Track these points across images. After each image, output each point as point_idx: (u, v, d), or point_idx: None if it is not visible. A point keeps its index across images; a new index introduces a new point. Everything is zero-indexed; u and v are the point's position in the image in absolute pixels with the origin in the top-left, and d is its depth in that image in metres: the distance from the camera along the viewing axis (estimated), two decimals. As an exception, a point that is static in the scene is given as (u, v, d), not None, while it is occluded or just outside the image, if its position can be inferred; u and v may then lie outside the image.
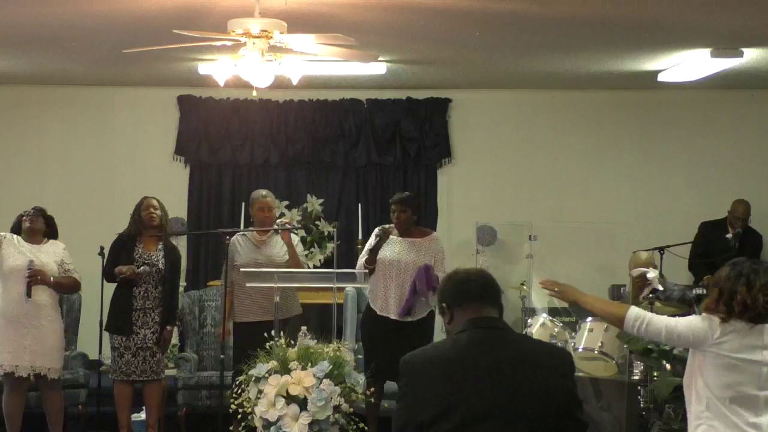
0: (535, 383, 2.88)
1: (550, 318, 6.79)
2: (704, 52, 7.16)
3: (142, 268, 6.53)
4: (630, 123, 9.18)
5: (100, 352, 7.20)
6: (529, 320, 6.95)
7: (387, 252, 6.48)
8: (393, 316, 6.45)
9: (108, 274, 6.66)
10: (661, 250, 7.26)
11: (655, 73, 7.98)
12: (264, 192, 6.86)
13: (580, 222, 8.85)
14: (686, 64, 7.58)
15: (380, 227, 6.62)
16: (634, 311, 4.03)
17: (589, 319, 6.54)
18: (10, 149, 8.96)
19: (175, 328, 7.26)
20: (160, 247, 6.69)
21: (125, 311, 6.58)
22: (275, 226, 6.74)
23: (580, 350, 6.33)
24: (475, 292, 3.00)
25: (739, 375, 3.83)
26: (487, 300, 3.01)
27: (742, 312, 3.80)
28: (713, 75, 7.82)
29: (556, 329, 6.63)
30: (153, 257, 6.63)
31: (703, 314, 3.93)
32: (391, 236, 6.51)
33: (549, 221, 8.68)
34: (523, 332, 6.56)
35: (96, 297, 7.00)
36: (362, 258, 6.57)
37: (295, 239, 6.82)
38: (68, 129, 9.03)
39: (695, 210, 8.71)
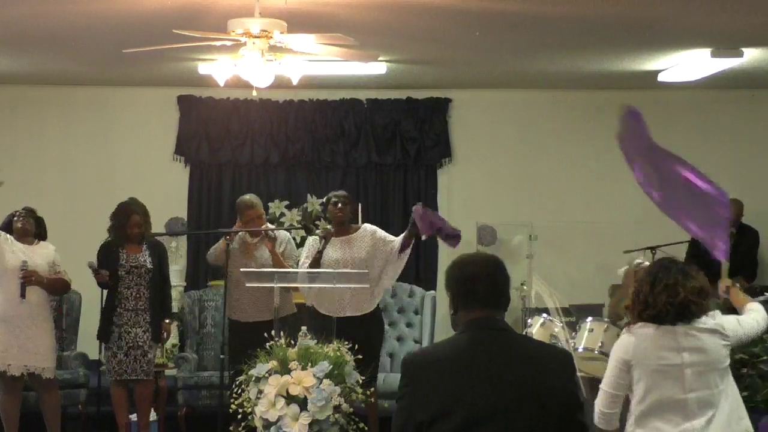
0: (536, 385, 2.88)
1: (550, 318, 6.79)
2: (704, 52, 7.16)
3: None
4: (630, 123, 9.17)
5: (100, 352, 7.20)
6: (529, 320, 6.95)
7: (329, 252, 6.49)
8: (340, 315, 6.44)
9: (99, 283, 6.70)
10: (652, 250, 7.26)
11: (655, 73, 7.98)
12: (247, 200, 6.84)
13: (580, 222, 8.85)
14: (686, 64, 7.58)
15: (320, 230, 6.67)
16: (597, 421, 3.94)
17: (589, 319, 6.55)
18: (10, 149, 8.95)
19: (176, 328, 7.28)
20: (144, 247, 6.70)
21: (106, 319, 6.65)
22: (267, 226, 6.77)
23: (580, 350, 6.33)
24: (481, 294, 2.97)
25: (663, 382, 3.79)
26: (493, 302, 2.99)
27: (642, 310, 3.80)
28: (713, 75, 7.82)
29: (556, 329, 6.62)
30: (140, 259, 6.64)
31: (617, 342, 3.92)
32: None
33: (549, 221, 8.68)
34: (523, 332, 6.56)
35: (96, 297, 7.00)
36: (304, 264, 6.54)
37: (285, 239, 6.82)
38: (68, 129, 9.02)
39: (695, 210, 8.70)
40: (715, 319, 3.89)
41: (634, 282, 3.96)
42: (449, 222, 6.37)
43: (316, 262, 6.47)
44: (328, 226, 6.64)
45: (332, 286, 6.30)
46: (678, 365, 3.78)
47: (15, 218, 6.64)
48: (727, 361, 3.90)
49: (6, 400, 6.55)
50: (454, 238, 6.27)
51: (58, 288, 6.74)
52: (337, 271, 6.34)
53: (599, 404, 3.91)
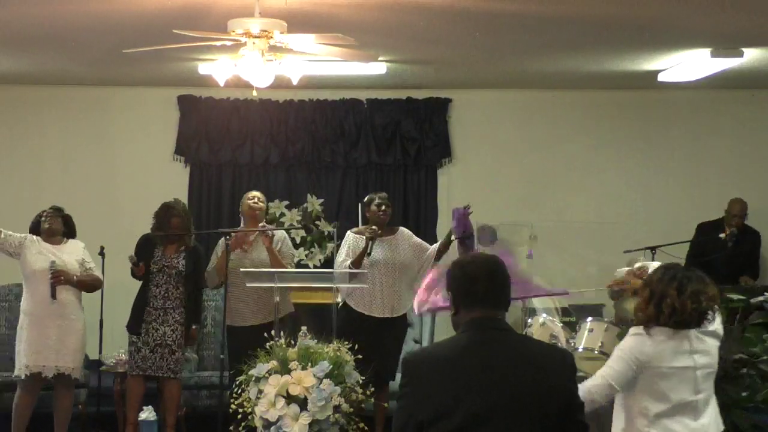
0: (536, 385, 2.88)
1: (550, 318, 6.78)
2: (704, 52, 7.16)
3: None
4: (630, 123, 9.18)
5: (100, 352, 7.21)
6: (529, 320, 6.94)
7: (372, 253, 6.63)
8: (377, 315, 6.63)
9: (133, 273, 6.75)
10: (652, 250, 7.27)
11: (655, 73, 7.98)
12: (255, 192, 7.04)
13: (580, 222, 8.85)
14: (686, 64, 7.58)
15: (366, 229, 6.72)
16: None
17: (589, 319, 6.54)
18: (10, 149, 8.95)
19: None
20: (182, 249, 6.73)
21: (138, 311, 6.69)
22: (263, 225, 6.82)
23: (580, 350, 6.31)
24: (481, 294, 2.99)
25: (675, 383, 3.88)
26: (493, 302, 3.00)
27: (669, 315, 3.85)
28: (713, 75, 7.81)
29: (556, 329, 6.62)
30: (173, 260, 6.67)
31: (632, 335, 3.93)
32: (365, 236, 6.67)
33: (549, 221, 8.67)
34: (523, 332, 6.57)
35: (96, 297, 7.01)
36: (346, 261, 6.64)
37: (280, 237, 6.86)
38: (68, 129, 9.01)
39: (695, 210, 8.71)
40: (713, 323, 3.98)
41: (647, 286, 3.96)
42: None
43: (359, 261, 6.57)
44: (374, 227, 6.70)
45: (337, 286, 6.39)
46: (691, 368, 3.89)
47: (42, 218, 6.66)
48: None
49: (25, 400, 6.56)
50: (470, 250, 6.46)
51: (88, 285, 6.74)
52: (343, 270, 6.42)
53: (596, 393, 3.93)
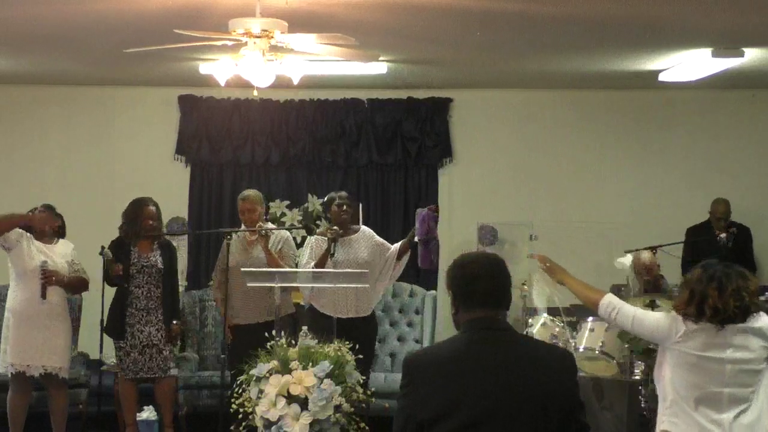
0: (537, 385, 2.88)
1: (551, 318, 6.79)
2: (705, 52, 7.16)
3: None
4: (630, 123, 9.18)
5: (100, 352, 7.21)
6: (530, 320, 6.95)
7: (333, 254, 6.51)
8: (342, 316, 6.51)
9: (108, 279, 6.69)
10: (654, 249, 7.28)
11: (656, 73, 7.98)
12: (246, 193, 6.90)
13: (580, 222, 8.85)
14: (687, 64, 7.58)
15: (327, 230, 6.62)
16: (608, 298, 4.19)
17: (590, 319, 6.54)
18: (10, 149, 8.95)
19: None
20: (155, 246, 6.70)
21: (119, 315, 6.65)
22: (260, 225, 6.79)
23: (581, 350, 6.33)
24: (481, 294, 2.98)
25: (702, 373, 3.90)
26: (493, 302, 2.99)
27: (712, 316, 3.86)
28: (714, 75, 7.82)
29: (557, 329, 6.62)
30: (151, 258, 6.65)
31: (672, 312, 4.01)
32: (326, 237, 6.56)
33: (549, 221, 8.67)
34: (524, 332, 6.57)
35: (97, 297, 7.00)
36: (309, 264, 6.57)
37: (281, 238, 6.82)
38: (68, 129, 9.02)
39: (696, 210, 8.71)
40: (759, 320, 3.97)
41: (686, 287, 3.99)
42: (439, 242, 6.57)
43: (322, 263, 6.49)
44: (335, 227, 6.63)
45: (336, 285, 6.33)
46: (721, 359, 3.89)
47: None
48: (765, 363, 3.99)
49: (17, 400, 6.56)
50: (427, 260, 6.37)
51: (77, 287, 6.74)
52: (341, 270, 6.37)
53: (638, 317, 4.10)
